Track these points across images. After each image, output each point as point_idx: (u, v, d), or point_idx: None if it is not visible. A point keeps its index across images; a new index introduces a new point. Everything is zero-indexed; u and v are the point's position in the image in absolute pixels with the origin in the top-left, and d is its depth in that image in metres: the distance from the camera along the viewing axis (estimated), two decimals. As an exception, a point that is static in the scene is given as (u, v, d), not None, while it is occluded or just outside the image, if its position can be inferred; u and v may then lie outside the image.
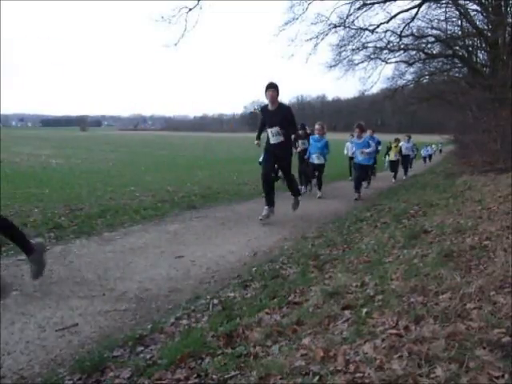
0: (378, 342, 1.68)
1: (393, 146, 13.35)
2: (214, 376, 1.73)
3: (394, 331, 1.77)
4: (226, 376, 1.71)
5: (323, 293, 2.49)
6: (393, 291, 2.31)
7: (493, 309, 1.86)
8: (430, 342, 1.61)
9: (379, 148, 12.17)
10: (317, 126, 8.83)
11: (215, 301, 2.81)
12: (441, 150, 34.28)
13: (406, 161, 14.10)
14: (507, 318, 1.75)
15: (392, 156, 13.19)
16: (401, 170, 13.77)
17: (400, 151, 13.21)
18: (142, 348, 2.20)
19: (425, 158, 25.36)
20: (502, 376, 1.38)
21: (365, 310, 2.08)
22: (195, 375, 1.78)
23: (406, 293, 2.23)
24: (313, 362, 1.64)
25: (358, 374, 1.49)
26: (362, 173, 8.66)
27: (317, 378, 1.52)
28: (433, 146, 28.89)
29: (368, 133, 10.65)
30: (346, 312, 2.15)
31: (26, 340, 2.32)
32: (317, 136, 8.73)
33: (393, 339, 1.69)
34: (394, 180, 12.67)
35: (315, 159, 8.62)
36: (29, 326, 2.49)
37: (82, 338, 2.36)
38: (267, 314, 2.42)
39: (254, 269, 3.53)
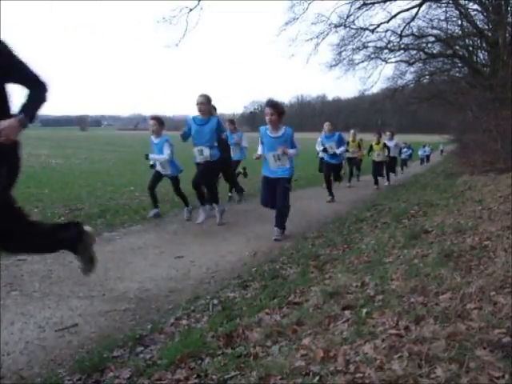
0: (378, 342, 1.68)
1: (373, 143, 10.61)
2: (214, 376, 1.73)
3: (394, 331, 1.77)
4: (225, 376, 1.71)
5: (323, 293, 2.49)
6: (393, 291, 2.31)
7: (493, 309, 1.86)
8: (431, 342, 1.61)
9: (343, 148, 8.29)
10: (199, 98, 5.31)
11: (215, 301, 2.81)
12: (442, 151, 32.09)
13: (390, 163, 11.32)
14: (507, 319, 1.75)
15: (374, 155, 10.53)
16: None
17: (388, 150, 10.71)
18: (142, 348, 2.20)
19: (422, 160, 23.70)
20: (503, 376, 1.38)
21: (365, 310, 2.08)
22: (195, 375, 1.78)
23: (407, 293, 2.23)
24: (313, 362, 1.64)
25: (358, 375, 1.48)
26: (280, 193, 4.74)
27: (317, 378, 1.52)
28: (430, 146, 27.00)
29: (325, 127, 8.20)
30: (346, 312, 2.14)
31: (25, 340, 2.32)
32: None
33: (393, 339, 1.69)
34: (375, 186, 10.36)
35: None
36: (29, 326, 2.49)
37: (82, 338, 2.36)
38: (267, 314, 2.41)
39: (253, 269, 3.53)
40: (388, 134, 11.46)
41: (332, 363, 1.60)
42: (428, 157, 25.10)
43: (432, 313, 1.89)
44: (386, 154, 10.67)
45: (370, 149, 10.83)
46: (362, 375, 1.48)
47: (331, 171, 8.34)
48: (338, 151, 8.07)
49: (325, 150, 8.24)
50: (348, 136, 10.99)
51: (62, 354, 2.19)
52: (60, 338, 2.36)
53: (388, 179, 11.43)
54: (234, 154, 7.68)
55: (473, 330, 1.68)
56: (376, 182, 10.53)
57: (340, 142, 8.14)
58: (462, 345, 1.56)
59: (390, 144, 11.18)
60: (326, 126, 8.37)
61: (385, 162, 10.83)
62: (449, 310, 1.89)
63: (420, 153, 24.12)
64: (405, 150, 18.43)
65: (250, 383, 1.61)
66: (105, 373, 1.95)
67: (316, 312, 2.26)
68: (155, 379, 1.82)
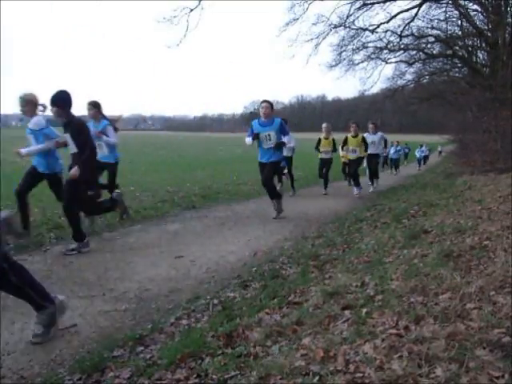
0: (378, 342, 1.68)
1: (349, 135, 8.55)
2: (214, 376, 1.73)
3: (394, 331, 1.77)
4: (226, 376, 1.71)
5: (323, 293, 2.49)
6: (393, 291, 2.31)
7: (493, 309, 1.86)
8: (430, 342, 1.61)
9: (288, 137, 5.92)
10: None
11: (215, 301, 2.81)
12: (440, 152, 30.25)
13: (373, 162, 9.31)
14: (507, 318, 1.75)
15: (349, 152, 8.69)
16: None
17: (366, 146, 8.58)
18: (142, 348, 2.20)
19: (420, 161, 21.33)
20: (502, 376, 1.38)
21: (365, 310, 2.08)
22: (195, 375, 1.78)
23: (406, 293, 2.23)
24: (313, 362, 1.64)
25: (358, 374, 1.49)
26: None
27: (317, 378, 1.52)
28: (427, 146, 24.51)
29: (261, 110, 5.74)
30: (346, 312, 2.15)
31: (26, 340, 2.32)
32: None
33: (393, 339, 1.69)
34: (356, 191, 8.35)
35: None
36: (29, 326, 2.48)
37: (82, 338, 2.36)
38: (267, 314, 2.41)
39: (254, 269, 3.53)
40: (370, 126, 9.26)
41: (332, 363, 1.60)
42: (427, 157, 23.55)
43: (432, 313, 1.90)
44: (364, 150, 8.62)
45: (345, 142, 8.70)
46: (361, 375, 1.48)
47: (271, 172, 5.82)
48: (285, 139, 5.65)
49: (256, 137, 5.64)
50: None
51: (63, 353, 2.19)
52: (60, 337, 2.36)
53: (373, 182, 9.51)
54: (101, 154, 5.26)
55: (472, 330, 1.68)
56: (354, 182, 8.46)
57: (283, 131, 5.70)
58: (462, 345, 1.56)
59: (374, 138, 9.15)
60: (263, 108, 5.70)
61: (358, 161, 8.66)
62: (448, 310, 1.89)
63: (417, 153, 21.86)
64: (398, 148, 17.06)
65: (250, 383, 1.61)
66: (105, 372, 1.96)
67: (316, 312, 2.26)
68: (155, 379, 1.82)
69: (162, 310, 2.78)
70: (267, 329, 2.12)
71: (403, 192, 8.57)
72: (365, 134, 9.10)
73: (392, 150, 16.19)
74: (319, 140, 8.84)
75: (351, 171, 8.72)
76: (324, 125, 8.94)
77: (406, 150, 22.61)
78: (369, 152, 8.86)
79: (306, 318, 2.19)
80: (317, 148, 8.92)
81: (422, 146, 22.61)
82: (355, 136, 8.58)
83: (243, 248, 4.30)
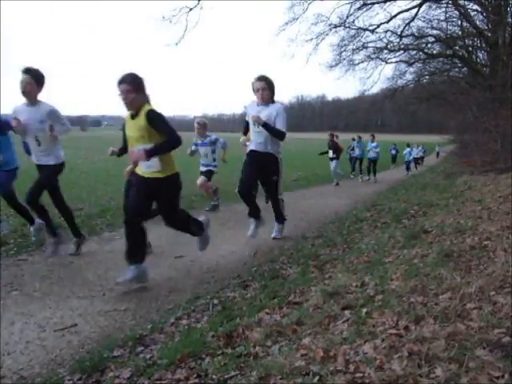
0: (378, 342, 1.68)
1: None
2: (214, 376, 1.73)
3: (394, 331, 1.77)
4: (226, 376, 1.71)
5: (323, 293, 2.49)
6: (393, 291, 2.31)
7: (493, 309, 1.86)
8: (430, 342, 1.61)
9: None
10: None
11: (215, 301, 2.81)
12: (438, 153, 28.64)
13: (255, 168, 4.29)
14: (507, 318, 1.75)
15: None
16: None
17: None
18: (142, 348, 2.20)
19: (408, 164, 17.76)
20: (502, 376, 1.38)
21: (365, 310, 2.08)
22: (195, 375, 1.78)
23: (406, 293, 2.23)
24: (313, 362, 1.64)
25: (358, 374, 1.48)
26: None
27: (317, 378, 1.52)
28: (419, 147, 21.23)
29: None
30: (346, 312, 2.14)
31: (25, 340, 2.32)
32: None
33: (393, 339, 1.69)
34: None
35: None
36: (29, 326, 2.49)
37: (82, 338, 2.36)
38: (267, 313, 2.41)
39: (253, 269, 3.53)
40: (255, 84, 4.22)
41: (332, 363, 1.60)
42: (422, 158, 21.13)
43: (432, 313, 1.89)
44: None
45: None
46: (361, 375, 1.48)
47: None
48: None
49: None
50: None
51: (63, 353, 2.19)
52: (60, 337, 2.36)
53: (255, 213, 4.49)
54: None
55: (472, 330, 1.68)
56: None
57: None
58: (462, 345, 1.56)
59: (265, 110, 4.19)
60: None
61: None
62: (448, 310, 1.89)
63: (405, 155, 18.43)
64: (373, 145, 13.28)
65: (250, 383, 1.61)
66: (105, 372, 1.96)
67: (316, 312, 2.26)
68: (155, 379, 1.82)
69: (162, 309, 2.78)
70: (267, 329, 2.12)
71: (403, 192, 8.58)
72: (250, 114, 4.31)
73: (367, 147, 13.33)
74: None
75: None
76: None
77: (393, 152, 20.05)
78: (250, 148, 4.38)
79: (306, 318, 2.19)
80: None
81: (409, 145, 19.32)
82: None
83: (243, 248, 4.30)
